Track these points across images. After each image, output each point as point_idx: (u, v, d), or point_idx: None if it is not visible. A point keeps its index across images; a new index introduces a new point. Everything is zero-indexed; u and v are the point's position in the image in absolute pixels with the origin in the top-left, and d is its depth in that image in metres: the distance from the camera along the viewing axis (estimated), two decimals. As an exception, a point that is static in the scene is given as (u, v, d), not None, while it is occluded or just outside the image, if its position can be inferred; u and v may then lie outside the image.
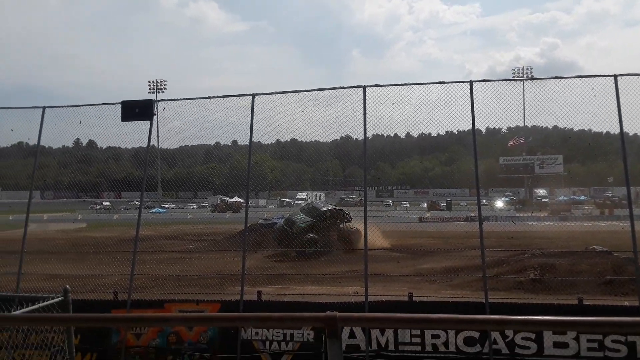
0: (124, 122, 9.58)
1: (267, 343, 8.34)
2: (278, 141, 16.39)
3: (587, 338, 7.50)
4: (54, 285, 9.31)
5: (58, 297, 5.48)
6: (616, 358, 7.45)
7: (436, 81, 9.32)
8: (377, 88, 9.44)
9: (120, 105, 9.23)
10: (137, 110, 9.20)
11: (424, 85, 9.60)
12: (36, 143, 9.50)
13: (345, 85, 9.84)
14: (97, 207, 19.77)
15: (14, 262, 9.40)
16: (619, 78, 8.45)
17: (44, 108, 9.42)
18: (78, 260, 10.05)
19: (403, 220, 18.50)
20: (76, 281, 9.02)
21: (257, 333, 8.39)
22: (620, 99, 8.43)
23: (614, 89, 8.45)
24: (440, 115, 11.02)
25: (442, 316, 2.23)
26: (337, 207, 17.58)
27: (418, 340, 8.07)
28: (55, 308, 5.34)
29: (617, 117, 8.47)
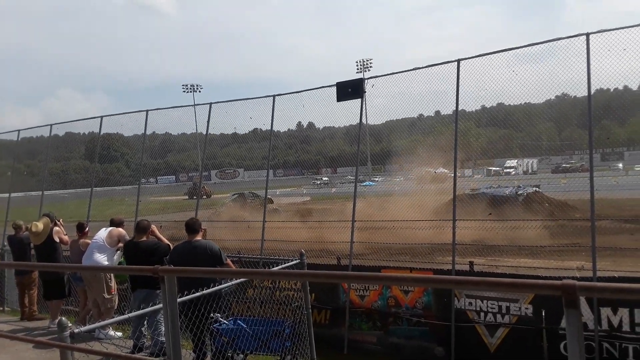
0: (336, 103, 10.44)
1: (482, 314, 8.31)
2: (483, 107, 15.66)
3: None
4: (288, 250, 10.84)
5: (295, 260, 6.45)
6: None
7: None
8: (602, 35, 8.27)
9: (335, 87, 10.03)
10: (349, 90, 9.90)
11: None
12: (269, 128, 11.08)
13: (563, 36, 8.82)
14: (318, 182, 21.91)
15: (256, 232, 11.22)
16: None
17: (274, 96, 10.84)
18: (305, 228, 11.48)
19: (638, 187, 15.96)
20: (304, 246, 10.29)
21: (470, 303, 8.43)
22: None
23: None
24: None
25: None
26: None
27: (662, 322, 7.11)
28: (294, 269, 6.29)
29: None
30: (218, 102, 11.57)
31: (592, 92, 8.52)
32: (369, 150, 16.48)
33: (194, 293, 4.81)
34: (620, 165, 24.76)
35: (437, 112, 15.73)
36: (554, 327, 7.64)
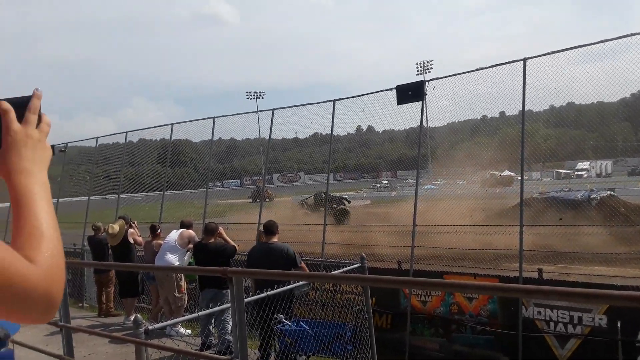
0: (396, 106, 10.40)
1: (552, 324, 7.97)
2: (552, 107, 15.00)
3: None
4: (349, 253, 10.90)
5: (357, 263, 6.49)
6: None
7: None
8: (684, 28, 7.78)
9: (395, 90, 9.99)
10: (410, 93, 9.81)
11: None
12: (329, 132, 11.22)
13: (637, 32, 8.37)
14: (378, 185, 21.84)
15: (317, 234, 11.36)
16: None
17: (334, 101, 10.97)
18: (366, 231, 11.52)
19: None
20: (365, 250, 10.30)
21: (539, 312, 8.11)
22: None
23: None
24: None
25: None
26: None
27: None
28: (355, 272, 6.33)
29: None
30: (280, 108, 11.87)
31: (671, 89, 8.02)
32: (429, 153, 16.23)
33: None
34: None
35: (502, 113, 15.23)
36: (631, 340, 7.20)
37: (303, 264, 6.55)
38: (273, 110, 11.81)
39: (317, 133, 12.96)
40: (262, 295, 5.07)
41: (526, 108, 11.66)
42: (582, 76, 10.17)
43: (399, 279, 5.30)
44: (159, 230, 8.99)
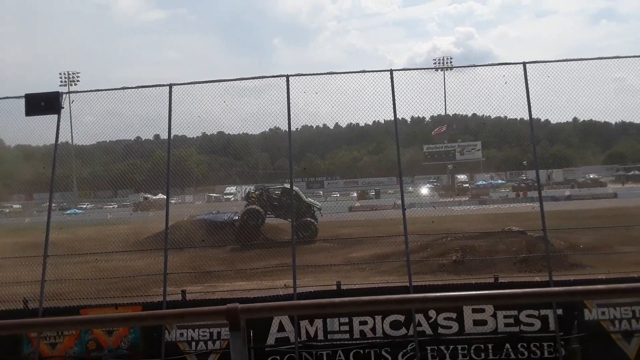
0: (31, 117, 8.95)
1: (193, 343, 8.11)
2: (204, 134, 15.92)
3: (503, 314, 7.91)
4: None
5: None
6: (531, 332, 7.94)
7: (358, 70, 9.46)
8: (302, 77, 9.43)
9: (24, 99, 8.52)
10: (42, 104, 8.54)
11: (346, 74, 9.73)
12: None
13: (268, 75, 9.78)
14: (7, 210, 18.47)
15: None
16: (527, 65, 8.91)
17: None
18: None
19: (333, 211, 18.66)
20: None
21: (182, 334, 8.13)
22: (530, 87, 8.92)
23: (524, 77, 8.93)
24: (365, 105, 11.19)
25: (345, 300, 2.16)
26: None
27: (346, 328, 8.17)
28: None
29: (527, 103, 8.99)
30: None
31: (298, 128, 9.57)
32: (75, 174, 14.63)
33: None
34: (321, 192, 29.16)
35: (157, 136, 15.19)
36: (261, 346, 7.96)
37: None
38: None
39: None
40: None
41: (180, 133, 11.84)
42: (229, 108, 11.09)
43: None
44: None
